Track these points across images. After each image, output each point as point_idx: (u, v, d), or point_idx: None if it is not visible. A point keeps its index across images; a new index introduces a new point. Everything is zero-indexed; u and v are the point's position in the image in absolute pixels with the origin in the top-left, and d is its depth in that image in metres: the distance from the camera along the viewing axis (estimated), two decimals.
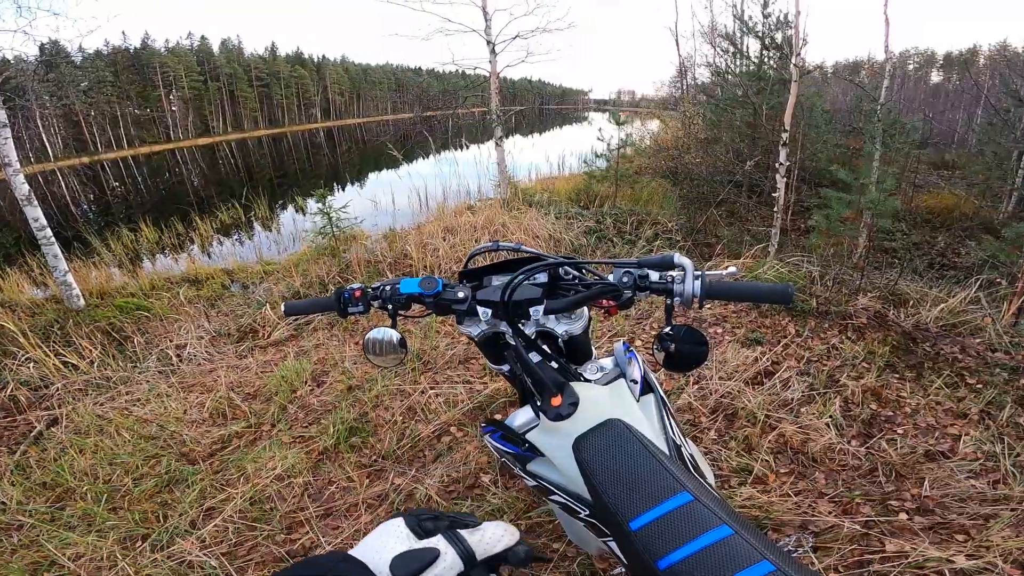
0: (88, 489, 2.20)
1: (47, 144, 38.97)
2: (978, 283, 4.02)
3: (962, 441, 2.21)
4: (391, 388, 2.78)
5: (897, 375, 2.72)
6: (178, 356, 3.58)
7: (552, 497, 0.92)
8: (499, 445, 1.02)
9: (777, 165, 6.89)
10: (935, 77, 45.71)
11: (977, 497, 1.88)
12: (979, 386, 2.58)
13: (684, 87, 18.24)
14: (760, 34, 9.72)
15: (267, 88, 67.35)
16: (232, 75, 62.37)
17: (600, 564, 1.61)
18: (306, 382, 2.97)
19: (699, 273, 0.84)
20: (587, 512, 0.83)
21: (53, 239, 4.82)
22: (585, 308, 1.01)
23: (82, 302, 4.88)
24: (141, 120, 52.73)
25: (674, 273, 0.86)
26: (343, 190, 17.28)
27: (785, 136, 6.66)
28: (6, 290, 5.34)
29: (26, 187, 4.62)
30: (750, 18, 10.06)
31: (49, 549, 1.87)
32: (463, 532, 0.52)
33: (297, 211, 11.28)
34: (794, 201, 9.14)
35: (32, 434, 2.77)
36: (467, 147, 12.59)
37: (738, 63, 11.16)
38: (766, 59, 9.93)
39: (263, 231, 9.51)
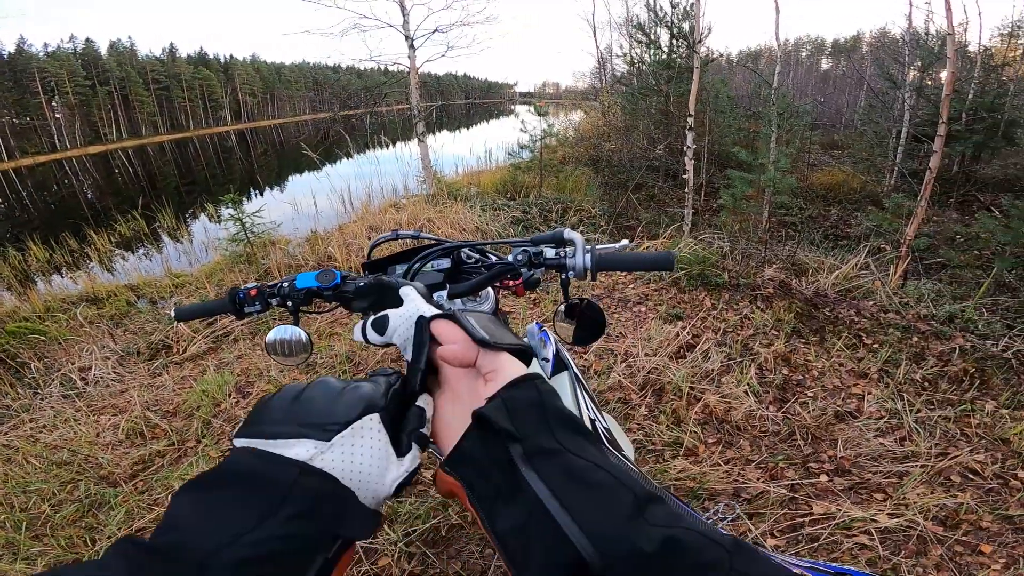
0: (6, 518, 2.07)
1: None
2: (867, 250, 4.44)
3: (866, 400, 2.42)
4: None
5: (803, 340, 2.96)
6: (83, 379, 3.30)
7: None
8: None
9: (685, 148, 7.24)
10: (825, 64, 49.61)
11: (887, 455, 2.07)
12: (875, 346, 2.84)
13: (603, 78, 18.75)
14: (669, 24, 10.14)
15: (167, 91, 62.45)
16: (125, 78, 57.34)
17: None
18: (230, 394, 2.83)
19: (589, 247, 0.88)
20: None
21: None
22: (490, 290, 1.02)
23: None
24: (20, 129, 47.48)
25: (568, 249, 0.90)
26: (260, 195, 16.39)
27: (691, 121, 7.00)
28: None
29: None
30: (660, 8, 10.48)
31: None
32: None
33: (210, 220, 10.58)
34: (705, 182, 9.66)
35: None
36: (390, 145, 12.31)
37: (651, 53, 11.56)
38: (675, 48, 10.38)
39: (172, 242, 8.80)
